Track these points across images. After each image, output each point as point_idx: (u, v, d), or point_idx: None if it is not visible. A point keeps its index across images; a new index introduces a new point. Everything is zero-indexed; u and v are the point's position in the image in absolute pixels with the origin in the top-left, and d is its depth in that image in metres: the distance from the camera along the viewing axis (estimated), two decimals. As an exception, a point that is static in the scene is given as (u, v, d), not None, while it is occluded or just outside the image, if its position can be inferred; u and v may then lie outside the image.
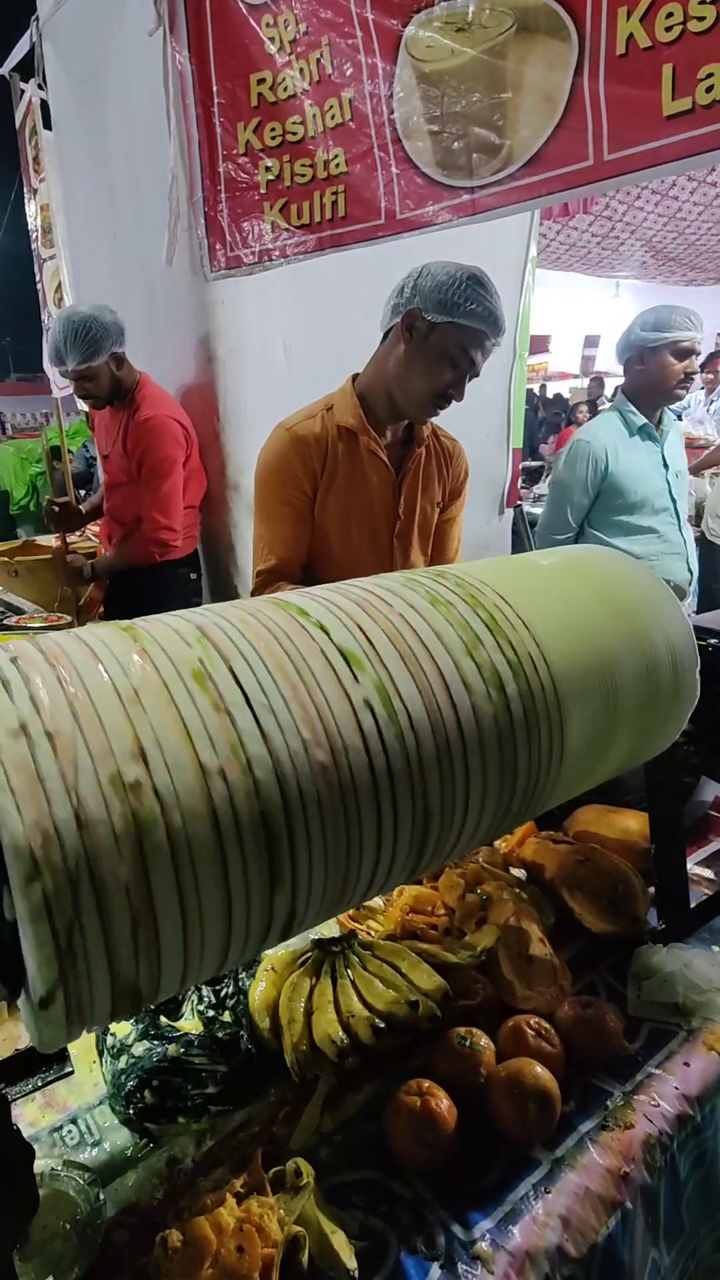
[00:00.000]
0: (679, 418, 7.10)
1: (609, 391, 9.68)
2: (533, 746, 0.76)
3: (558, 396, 11.02)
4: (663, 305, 2.34)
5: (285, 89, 1.95)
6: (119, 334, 2.35)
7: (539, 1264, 0.74)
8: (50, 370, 4.00)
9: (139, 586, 2.61)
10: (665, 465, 2.47)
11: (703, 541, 4.00)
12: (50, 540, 3.62)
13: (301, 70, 1.90)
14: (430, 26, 1.61)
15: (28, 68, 3.15)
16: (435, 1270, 0.73)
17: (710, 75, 1.28)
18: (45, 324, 3.96)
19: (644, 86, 1.35)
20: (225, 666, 0.63)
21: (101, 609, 3.30)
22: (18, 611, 2.40)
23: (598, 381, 10.40)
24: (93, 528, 3.64)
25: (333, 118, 1.87)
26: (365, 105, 1.79)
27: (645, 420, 2.40)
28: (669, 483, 2.49)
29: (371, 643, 0.70)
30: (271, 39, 1.92)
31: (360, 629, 0.71)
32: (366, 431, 1.54)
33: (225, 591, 2.75)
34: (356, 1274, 0.71)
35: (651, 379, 2.34)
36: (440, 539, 1.75)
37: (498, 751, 0.74)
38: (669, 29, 1.31)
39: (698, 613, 2.20)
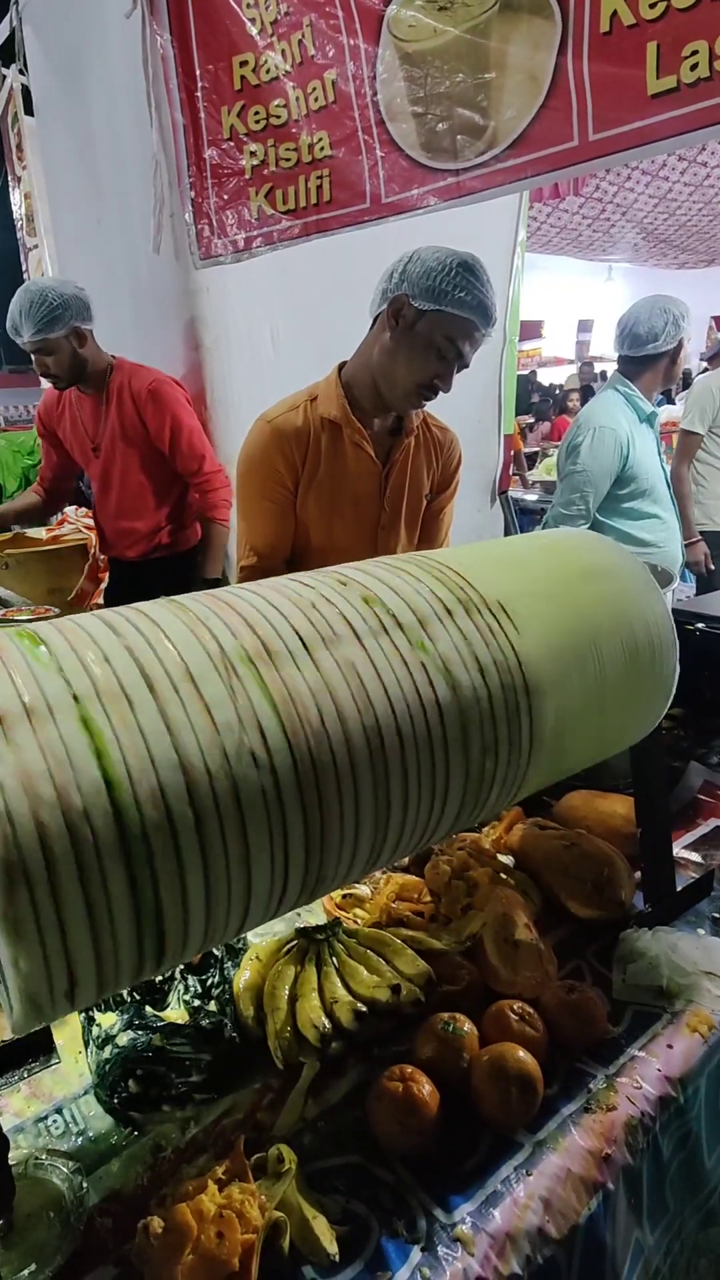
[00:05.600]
0: (671, 402, 7.10)
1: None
2: (511, 729, 0.75)
3: (550, 384, 10.97)
4: (668, 295, 2.38)
5: (267, 71, 1.92)
6: (82, 309, 2.25)
7: (520, 1245, 0.74)
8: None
9: (140, 577, 2.57)
10: (659, 452, 2.48)
11: None
12: (41, 533, 3.60)
13: (283, 52, 1.87)
14: (412, 5, 1.59)
15: (8, 53, 3.11)
16: (416, 1253, 0.73)
17: (695, 52, 1.26)
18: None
19: (628, 65, 1.33)
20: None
21: (96, 600, 3.29)
22: (5, 605, 2.40)
23: (588, 366, 10.35)
24: (85, 520, 3.62)
25: (316, 100, 1.84)
26: (348, 87, 1.76)
27: (653, 408, 2.42)
28: (663, 469, 2.50)
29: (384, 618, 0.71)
30: (252, 20, 1.90)
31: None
32: (350, 423, 1.51)
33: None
34: (337, 1258, 0.72)
35: (676, 366, 2.41)
36: (429, 529, 1.74)
37: (479, 734, 0.74)
38: (653, 5, 1.29)
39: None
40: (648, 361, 2.38)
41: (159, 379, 2.36)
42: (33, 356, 2.32)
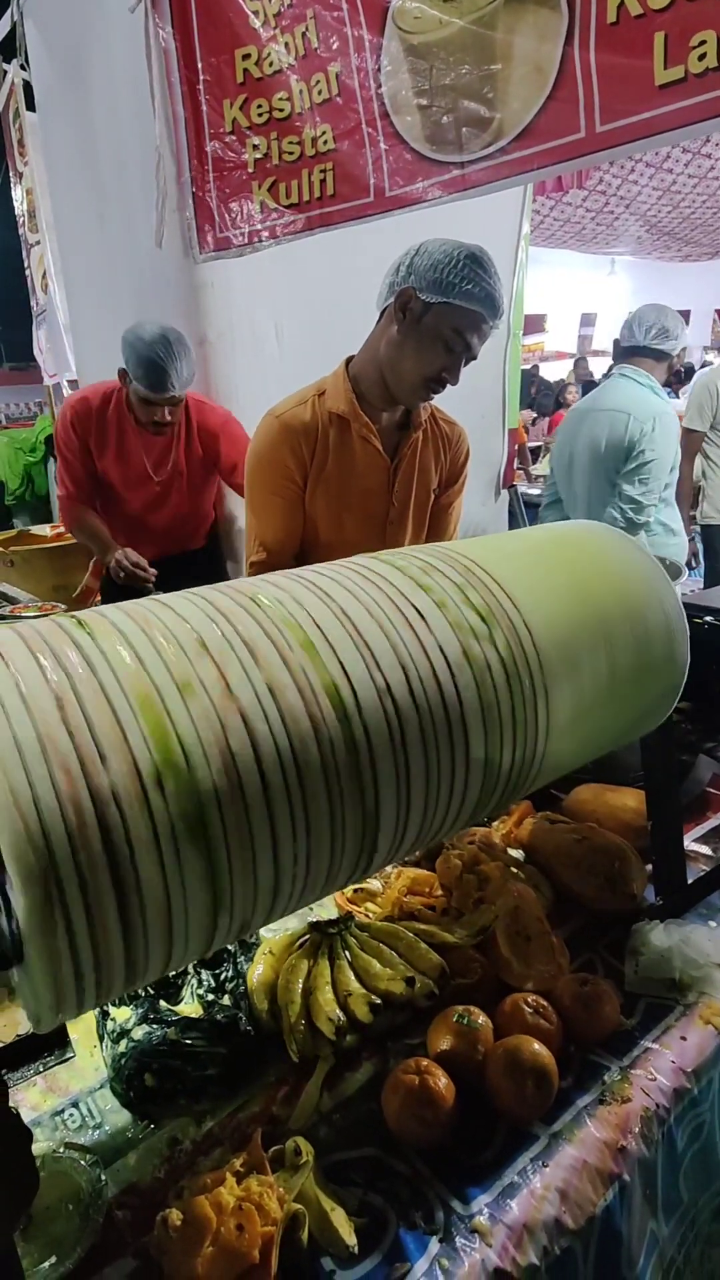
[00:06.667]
0: (675, 396, 7.08)
1: (597, 373, 9.58)
2: (519, 717, 0.75)
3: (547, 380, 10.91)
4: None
5: (271, 64, 1.91)
6: None
7: (537, 1236, 0.75)
8: (43, 360, 3.95)
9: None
10: None
11: None
12: (46, 530, 3.60)
13: (287, 45, 1.87)
14: (417, -4, 1.58)
15: (10, 48, 3.09)
16: (434, 1244, 0.73)
17: (703, 42, 1.25)
18: (35, 312, 3.91)
19: (636, 55, 1.32)
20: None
21: (98, 597, 3.29)
22: (12, 601, 2.40)
23: (584, 361, 10.32)
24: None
25: (320, 93, 1.84)
26: (352, 80, 1.75)
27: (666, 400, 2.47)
28: None
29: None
30: (256, 13, 1.89)
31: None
32: (358, 418, 1.51)
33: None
34: (356, 1250, 0.72)
35: (671, 372, 2.51)
36: (437, 524, 1.73)
37: (481, 725, 0.74)
38: (660, -5, 1.28)
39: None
40: (665, 357, 2.41)
41: (227, 417, 2.39)
42: (158, 410, 2.20)
